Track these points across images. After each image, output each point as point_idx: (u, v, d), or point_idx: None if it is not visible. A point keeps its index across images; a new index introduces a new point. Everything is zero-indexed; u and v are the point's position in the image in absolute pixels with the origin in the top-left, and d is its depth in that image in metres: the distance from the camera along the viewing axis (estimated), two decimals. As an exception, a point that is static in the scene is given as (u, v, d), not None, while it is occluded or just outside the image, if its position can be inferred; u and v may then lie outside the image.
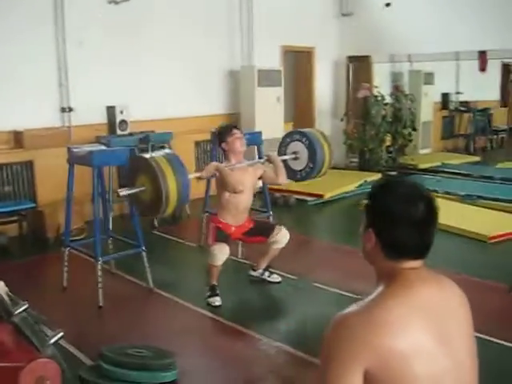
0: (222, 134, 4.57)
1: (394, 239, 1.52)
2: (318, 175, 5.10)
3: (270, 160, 4.64)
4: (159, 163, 3.65)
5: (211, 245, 4.35)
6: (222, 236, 4.41)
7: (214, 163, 4.43)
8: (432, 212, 1.53)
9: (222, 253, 4.28)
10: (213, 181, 5.69)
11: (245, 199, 4.49)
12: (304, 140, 4.92)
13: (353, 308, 1.49)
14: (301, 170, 4.98)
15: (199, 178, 4.36)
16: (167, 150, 4.05)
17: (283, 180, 4.59)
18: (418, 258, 1.55)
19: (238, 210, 4.49)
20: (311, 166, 4.89)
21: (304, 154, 4.90)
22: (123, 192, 3.77)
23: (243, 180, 4.38)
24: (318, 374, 1.48)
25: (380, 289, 1.53)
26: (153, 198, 3.69)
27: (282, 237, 4.57)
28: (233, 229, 4.49)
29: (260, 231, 4.60)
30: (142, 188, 3.73)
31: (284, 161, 4.82)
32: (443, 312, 1.51)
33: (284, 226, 4.66)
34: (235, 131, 4.53)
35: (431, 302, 1.50)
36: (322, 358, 1.49)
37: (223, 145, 4.52)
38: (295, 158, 4.95)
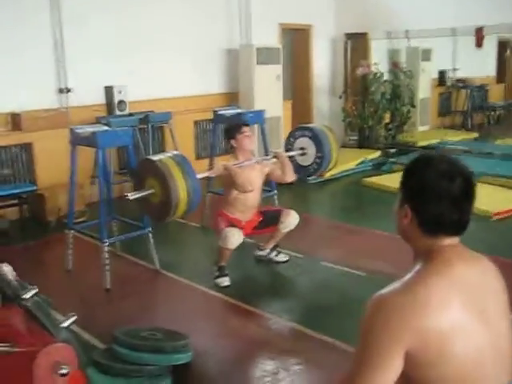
0: (231, 131, 4.53)
1: (432, 215, 1.48)
2: (326, 170, 5.11)
3: (276, 157, 4.60)
4: (168, 166, 3.61)
5: (224, 228, 4.28)
6: (234, 225, 4.36)
7: (223, 163, 4.35)
8: (470, 188, 1.49)
9: (235, 236, 4.19)
10: (215, 161, 5.67)
11: (253, 197, 4.45)
12: (311, 135, 4.89)
13: (392, 287, 1.46)
14: (308, 166, 4.96)
15: (208, 177, 4.35)
16: (175, 152, 3.99)
17: (290, 177, 4.56)
18: (455, 235, 1.52)
19: (247, 207, 4.44)
20: (319, 161, 4.87)
21: (311, 149, 4.87)
22: (133, 196, 3.71)
23: (252, 179, 4.34)
24: (357, 356, 1.45)
25: (418, 267, 1.50)
26: (162, 200, 3.64)
27: (291, 220, 4.53)
28: (243, 223, 4.42)
29: (270, 221, 4.56)
30: (151, 191, 3.68)
31: (291, 157, 4.79)
32: (482, 290, 1.49)
33: (292, 209, 4.61)
34: (245, 129, 4.48)
35: (470, 280, 1.47)
36: (361, 340, 1.45)
37: (232, 141, 4.48)
38: (302, 154, 4.92)
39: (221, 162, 4.39)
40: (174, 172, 3.60)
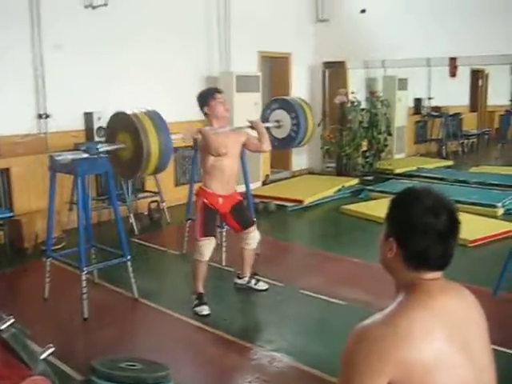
0: (203, 98, 4.36)
1: (417, 250, 1.50)
2: (301, 144, 5.05)
3: (253, 126, 4.52)
4: (141, 120, 3.49)
5: (199, 239, 4.29)
6: (210, 227, 4.34)
7: (197, 127, 4.26)
8: (455, 224, 1.53)
9: (208, 248, 4.27)
10: (194, 188, 5.67)
11: (230, 164, 4.34)
12: (287, 109, 4.83)
13: (374, 319, 1.47)
14: (283, 138, 4.92)
15: (182, 139, 4.27)
16: (149, 108, 3.74)
17: (267, 147, 4.49)
18: (439, 270, 1.54)
19: (224, 175, 4.33)
20: (294, 134, 4.83)
21: (287, 122, 4.82)
22: (103, 148, 3.60)
23: (226, 143, 4.21)
24: (339, 387, 1.45)
25: (400, 299, 1.52)
26: (133, 155, 3.51)
27: (254, 237, 4.57)
28: (220, 201, 4.35)
29: (241, 217, 4.52)
30: (123, 145, 3.56)
31: (267, 129, 4.68)
32: (464, 322, 1.51)
33: (257, 229, 4.63)
34: (218, 95, 4.33)
35: (453, 313, 1.50)
36: (343, 371, 1.46)
37: (205, 108, 4.33)
38: (278, 127, 4.87)
39: (196, 127, 4.28)
40: (146, 126, 3.47)
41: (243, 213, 4.59)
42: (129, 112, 3.58)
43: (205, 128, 4.22)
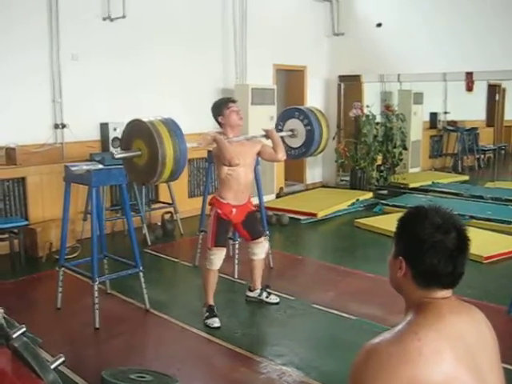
0: (217, 107, 4.37)
1: (427, 268, 1.50)
2: (316, 152, 5.03)
3: (268, 135, 4.52)
4: (157, 127, 3.50)
5: (210, 248, 4.33)
6: (222, 237, 4.38)
7: (213, 132, 4.25)
8: (464, 241, 1.52)
9: (219, 258, 4.32)
10: (208, 199, 5.68)
11: (244, 173, 4.34)
12: (301, 118, 4.83)
13: (383, 337, 1.46)
14: (297, 148, 4.91)
15: (198, 146, 4.28)
16: (165, 116, 3.76)
17: (282, 156, 4.47)
18: (449, 288, 1.54)
19: (240, 184, 4.34)
20: (308, 144, 4.82)
21: (301, 131, 4.82)
22: (119, 155, 3.62)
23: (240, 153, 4.20)
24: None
25: (410, 318, 1.51)
26: (149, 161, 3.53)
27: (262, 247, 4.61)
28: (234, 211, 4.36)
29: (252, 227, 4.54)
30: (138, 152, 3.57)
31: (281, 138, 4.68)
32: (475, 343, 1.49)
33: (268, 241, 4.68)
34: (232, 104, 4.35)
35: (463, 333, 1.48)
36: (350, 388, 1.45)
37: (219, 118, 4.34)
38: (292, 136, 4.87)
39: (210, 132, 4.26)
40: (161, 132, 3.48)
41: (255, 223, 4.60)
42: (144, 119, 3.61)
43: (219, 136, 4.21)
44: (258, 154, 4.50)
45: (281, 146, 4.47)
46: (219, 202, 4.38)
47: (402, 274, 1.54)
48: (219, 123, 4.40)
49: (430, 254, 1.48)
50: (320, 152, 5.07)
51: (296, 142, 4.91)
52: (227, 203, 4.36)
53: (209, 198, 5.63)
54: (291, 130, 4.89)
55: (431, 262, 1.48)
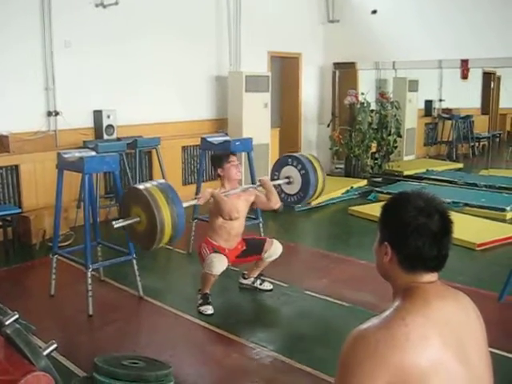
0: (218, 160, 4.55)
1: (412, 251, 1.51)
2: (314, 197, 5.14)
3: (262, 185, 4.62)
4: (153, 194, 3.59)
5: (209, 254, 4.32)
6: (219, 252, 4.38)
7: (209, 190, 4.33)
8: (448, 224, 1.54)
9: (220, 262, 4.24)
10: (202, 187, 5.69)
11: (238, 225, 4.47)
12: (295, 163, 4.92)
13: (371, 323, 1.47)
14: (295, 194, 4.99)
15: (196, 204, 4.37)
16: (160, 181, 3.97)
17: (275, 204, 4.57)
18: (434, 271, 1.55)
19: (231, 236, 4.46)
20: (304, 191, 4.90)
21: (297, 178, 4.91)
22: (118, 224, 3.69)
23: (238, 207, 4.37)
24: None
25: (397, 303, 1.51)
26: (147, 228, 3.62)
27: (274, 250, 4.57)
28: (226, 251, 4.42)
29: (253, 250, 4.58)
30: (137, 219, 3.66)
31: (278, 185, 4.84)
32: (461, 327, 1.51)
33: (275, 239, 4.65)
34: (232, 158, 4.51)
35: (449, 318, 1.49)
36: (339, 374, 1.46)
37: (219, 170, 4.50)
38: (288, 183, 4.96)
39: (208, 189, 4.36)
40: (159, 200, 3.57)
41: (250, 247, 4.60)
42: (141, 187, 3.70)
43: (217, 192, 4.30)
44: (252, 203, 4.61)
45: (274, 193, 4.56)
46: (212, 243, 4.42)
47: (387, 259, 1.55)
48: (218, 175, 4.54)
49: (414, 237, 1.49)
50: (319, 195, 5.13)
51: (294, 189, 4.98)
52: (219, 245, 4.42)
53: (203, 186, 5.66)
54: (287, 177, 4.96)
55: (416, 245, 1.50)
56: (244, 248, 4.57)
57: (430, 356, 1.40)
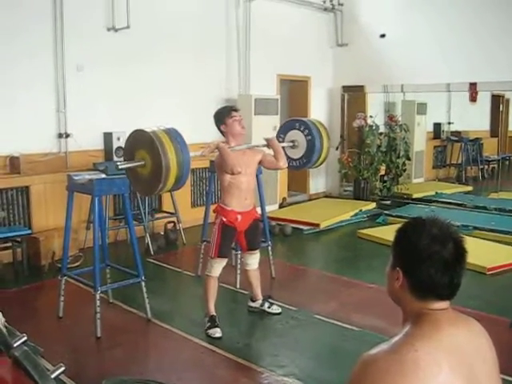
0: (220, 116, 4.40)
1: (423, 279, 1.50)
2: (315, 166, 5.09)
3: (269, 144, 4.54)
4: (160, 137, 3.51)
5: (213, 257, 4.35)
6: (226, 248, 4.40)
7: (216, 141, 4.27)
8: (461, 253, 1.53)
9: (220, 266, 4.37)
10: (211, 209, 5.70)
11: (246, 181, 4.36)
12: (302, 128, 4.86)
13: (380, 349, 1.46)
14: (298, 159, 4.94)
15: (201, 156, 4.25)
16: (168, 126, 3.77)
17: (284, 164, 4.50)
18: (446, 299, 1.53)
19: (241, 191, 4.35)
20: (308, 156, 4.85)
21: (302, 143, 4.85)
22: (122, 165, 3.63)
23: (242, 162, 4.23)
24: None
25: (407, 329, 1.50)
26: (152, 170, 3.53)
27: (254, 259, 4.64)
28: (239, 218, 4.36)
29: (252, 238, 4.55)
30: (142, 162, 3.57)
31: (282, 148, 4.70)
32: (473, 354, 1.49)
33: (258, 253, 4.67)
34: (234, 113, 4.37)
35: (461, 344, 1.48)
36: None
37: (222, 127, 4.37)
38: (293, 147, 4.90)
39: (214, 141, 4.27)
40: (164, 140, 3.49)
41: (256, 234, 4.62)
42: (146, 129, 3.62)
43: (223, 144, 4.24)
44: (260, 162, 4.52)
45: (282, 153, 4.50)
46: (224, 209, 4.39)
47: (399, 284, 1.54)
48: (221, 132, 4.43)
49: (427, 265, 1.48)
50: (321, 163, 5.09)
51: (297, 153, 4.94)
52: (232, 210, 4.37)
53: (212, 207, 5.66)
54: (292, 141, 4.91)
55: (428, 273, 1.48)
56: (257, 218, 4.59)
57: (440, 382, 1.39)
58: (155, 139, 3.49)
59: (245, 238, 4.52)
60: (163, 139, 3.51)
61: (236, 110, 4.43)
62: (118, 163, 3.67)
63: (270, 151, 4.57)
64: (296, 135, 4.92)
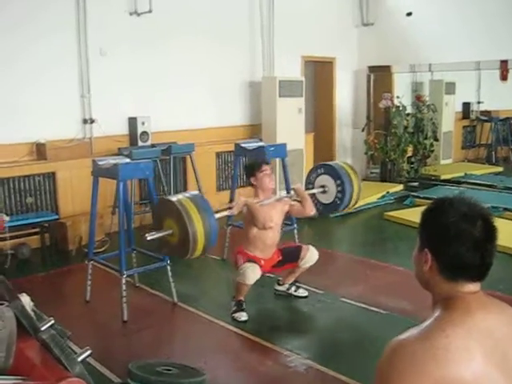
0: (250, 169, 4.55)
1: (454, 259, 1.43)
2: (348, 208, 5.09)
3: (296, 193, 4.60)
4: (185, 205, 3.58)
5: (242, 264, 4.29)
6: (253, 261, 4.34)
7: (243, 199, 4.29)
8: (492, 230, 1.45)
9: (253, 272, 4.21)
10: (236, 193, 5.68)
11: (273, 235, 4.43)
12: (332, 173, 4.85)
13: (410, 334, 1.41)
14: (329, 204, 4.93)
15: (229, 215, 4.35)
16: (193, 192, 3.96)
17: (310, 211, 4.54)
18: (477, 280, 1.47)
19: (266, 246, 4.42)
20: (339, 200, 4.83)
21: (332, 187, 4.84)
22: (151, 236, 3.68)
23: (272, 216, 4.34)
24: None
25: (437, 314, 1.44)
26: (180, 240, 3.61)
27: (311, 256, 4.52)
28: (262, 262, 4.37)
29: (289, 259, 4.54)
30: (169, 231, 3.65)
31: (313, 194, 4.79)
32: (505, 339, 1.43)
33: (311, 245, 4.60)
34: (265, 167, 4.48)
35: (493, 329, 1.42)
36: (377, 384, 1.40)
37: (252, 179, 4.49)
38: (323, 192, 4.90)
39: (241, 198, 4.31)
40: (191, 212, 3.55)
41: (286, 256, 4.56)
42: (173, 199, 3.68)
43: (251, 201, 4.28)
44: (287, 212, 4.59)
45: (309, 201, 4.53)
46: (247, 254, 4.37)
47: (427, 267, 1.48)
48: (251, 184, 4.52)
49: (456, 244, 1.42)
50: (354, 204, 5.06)
51: (327, 198, 4.92)
52: (254, 256, 4.37)
53: (236, 193, 5.65)
54: (322, 187, 4.91)
55: (457, 253, 1.42)
56: (280, 258, 4.53)
57: (471, 368, 1.33)
58: (181, 209, 3.54)
59: (284, 265, 4.54)
60: (188, 207, 3.57)
61: (267, 163, 4.56)
62: (147, 235, 3.68)
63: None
64: (326, 180, 4.90)
